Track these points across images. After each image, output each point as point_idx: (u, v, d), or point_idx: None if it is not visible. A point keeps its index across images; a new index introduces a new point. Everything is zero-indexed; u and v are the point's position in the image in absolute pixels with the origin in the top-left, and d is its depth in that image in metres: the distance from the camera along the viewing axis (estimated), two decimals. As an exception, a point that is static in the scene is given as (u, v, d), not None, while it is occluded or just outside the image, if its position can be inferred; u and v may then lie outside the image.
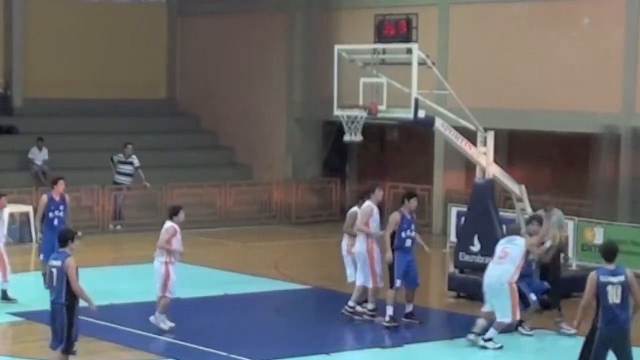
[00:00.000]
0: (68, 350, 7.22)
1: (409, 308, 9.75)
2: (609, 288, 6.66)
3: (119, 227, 15.53)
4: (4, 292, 10.28)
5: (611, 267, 6.77)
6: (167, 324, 9.12)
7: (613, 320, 6.70)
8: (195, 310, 10.29)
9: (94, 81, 18.21)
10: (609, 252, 6.82)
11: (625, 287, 6.70)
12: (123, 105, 18.27)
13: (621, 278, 6.72)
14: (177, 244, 9.08)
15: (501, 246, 9.14)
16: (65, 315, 7.38)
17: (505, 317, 8.80)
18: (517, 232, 9.33)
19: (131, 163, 15.77)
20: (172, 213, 9.23)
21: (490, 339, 8.85)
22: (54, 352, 7.43)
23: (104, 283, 10.96)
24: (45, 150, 16.33)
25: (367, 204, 9.67)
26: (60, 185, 10.85)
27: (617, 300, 6.67)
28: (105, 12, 18.74)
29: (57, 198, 10.81)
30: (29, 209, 14.33)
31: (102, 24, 18.53)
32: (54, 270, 7.49)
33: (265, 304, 9.82)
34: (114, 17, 18.69)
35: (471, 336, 8.97)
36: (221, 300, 10.64)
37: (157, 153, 17.20)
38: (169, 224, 9.15)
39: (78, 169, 16.42)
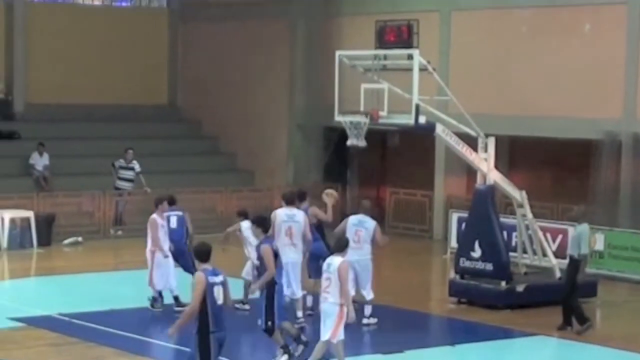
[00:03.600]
0: None
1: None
2: (215, 289, 6.40)
3: (120, 232, 15.54)
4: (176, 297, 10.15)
5: (210, 267, 6.49)
6: None
7: (222, 321, 6.43)
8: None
9: (95, 87, 18.25)
10: (203, 252, 6.50)
11: (226, 287, 6.45)
12: (124, 111, 18.29)
13: (221, 278, 6.47)
14: None
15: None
16: None
17: None
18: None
19: (132, 168, 15.80)
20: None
21: None
22: None
23: (104, 288, 10.96)
24: (46, 156, 16.35)
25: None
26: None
27: (220, 301, 6.44)
28: (107, 17, 18.79)
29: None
30: (30, 214, 14.34)
31: (104, 30, 18.57)
32: None
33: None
34: (115, 23, 18.73)
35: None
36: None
37: (158, 159, 17.22)
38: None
39: (79, 174, 16.44)
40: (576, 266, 9.73)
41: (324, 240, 10.21)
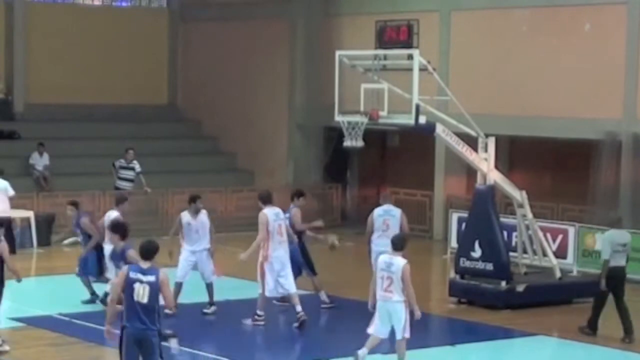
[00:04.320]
0: None
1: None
2: (136, 285, 6.51)
3: None
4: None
5: (146, 265, 6.59)
6: None
7: (137, 319, 6.51)
8: (197, 315, 10.28)
9: (95, 86, 18.24)
10: (146, 250, 6.63)
11: (154, 289, 6.52)
12: (124, 111, 18.29)
13: (151, 278, 6.52)
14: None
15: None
16: None
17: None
18: None
19: (132, 169, 15.79)
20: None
21: None
22: None
23: (104, 288, 10.94)
24: (46, 156, 16.34)
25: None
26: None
27: (143, 300, 6.50)
28: (107, 17, 18.79)
29: None
30: (29, 214, 14.34)
31: (104, 29, 18.56)
32: None
33: (266, 310, 9.82)
34: (115, 23, 18.72)
35: None
36: (223, 305, 10.64)
37: (158, 159, 17.22)
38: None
39: (79, 174, 16.45)
40: (609, 273, 9.54)
41: (302, 245, 10.28)
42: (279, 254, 9.53)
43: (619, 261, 9.60)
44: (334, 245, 10.50)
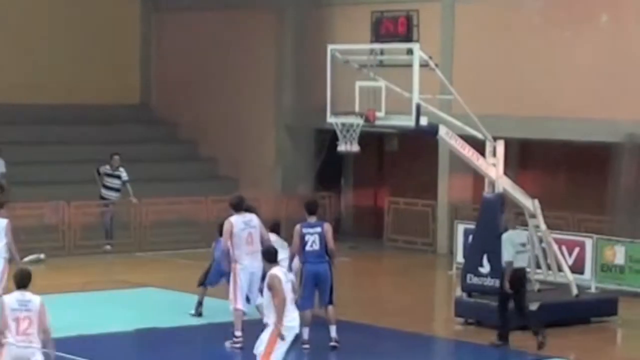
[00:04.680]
0: None
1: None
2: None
3: (108, 247, 15.64)
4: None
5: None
6: None
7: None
8: (176, 341, 10.41)
9: (58, 84, 18.30)
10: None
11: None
12: (92, 112, 18.40)
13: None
14: None
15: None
16: None
17: None
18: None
19: (119, 177, 15.79)
20: None
21: None
22: None
23: (71, 311, 11.07)
24: (2, 162, 16.42)
25: None
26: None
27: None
28: (73, 8, 18.85)
29: None
30: (-17, 228, 14.35)
31: (70, 21, 18.65)
32: None
33: (249, 331, 9.96)
34: (82, 14, 18.80)
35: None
36: (204, 329, 10.77)
37: (129, 165, 17.27)
38: None
39: (41, 183, 16.55)
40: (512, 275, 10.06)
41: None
42: (247, 264, 9.65)
43: (521, 262, 10.13)
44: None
